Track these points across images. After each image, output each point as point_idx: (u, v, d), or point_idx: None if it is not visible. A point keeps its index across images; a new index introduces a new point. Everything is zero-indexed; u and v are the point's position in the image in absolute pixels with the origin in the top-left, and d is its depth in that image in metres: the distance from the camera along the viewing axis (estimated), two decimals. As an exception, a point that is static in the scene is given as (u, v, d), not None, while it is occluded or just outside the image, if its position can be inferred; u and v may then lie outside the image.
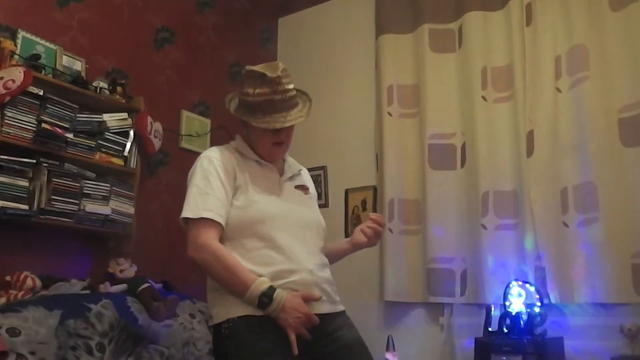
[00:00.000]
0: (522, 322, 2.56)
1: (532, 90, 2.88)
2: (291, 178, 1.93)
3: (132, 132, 2.81)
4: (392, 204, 3.20)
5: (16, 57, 2.45)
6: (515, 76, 2.94)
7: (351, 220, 3.47)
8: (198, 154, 1.90)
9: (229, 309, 1.68)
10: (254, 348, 1.63)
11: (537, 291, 2.63)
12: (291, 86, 1.80)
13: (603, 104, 2.67)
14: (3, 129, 2.32)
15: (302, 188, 1.94)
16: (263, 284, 1.64)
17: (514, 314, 2.59)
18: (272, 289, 1.63)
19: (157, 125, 2.98)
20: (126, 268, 2.68)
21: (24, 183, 2.36)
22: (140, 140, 2.86)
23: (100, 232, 2.68)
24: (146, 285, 2.54)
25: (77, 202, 2.52)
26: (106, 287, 2.56)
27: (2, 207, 2.27)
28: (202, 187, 1.74)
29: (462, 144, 3.08)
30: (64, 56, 2.70)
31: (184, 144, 3.34)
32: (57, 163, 2.49)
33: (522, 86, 2.91)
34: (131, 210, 2.76)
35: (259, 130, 1.80)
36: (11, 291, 2.30)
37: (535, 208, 2.77)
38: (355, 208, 3.49)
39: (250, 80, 1.78)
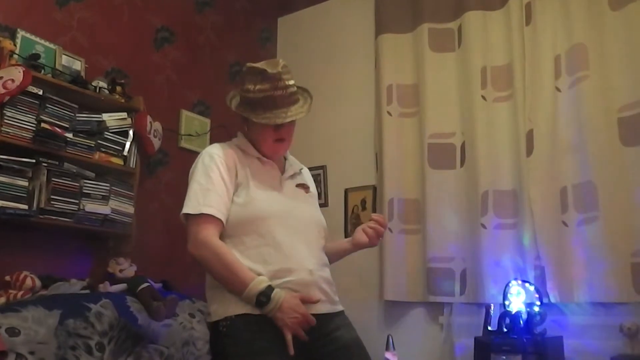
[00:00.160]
0: (521, 322, 2.55)
1: (532, 90, 2.88)
2: (292, 176, 1.93)
3: (131, 132, 2.81)
4: (391, 204, 3.20)
5: (15, 56, 2.45)
6: (514, 75, 2.94)
7: (351, 220, 3.47)
8: (197, 153, 1.89)
9: (227, 307, 1.68)
10: (252, 347, 1.63)
11: (537, 290, 2.62)
12: (292, 82, 1.79)
13: (603, 103, 2.66)
14: (2, 128, 2.32)
15: (303, 187, 1.94)
16: (261, 283, 1.64)
17: (513, 313, 2.59)
18: (270, 289, 1.63)
19: (157, 125, 2.98)
20: (126, 268, 2.68)
21: (23, 183, 2.36)
22: (140, 140, 2.86)
23: (99, 231, 2.68)
24: (146, 284, 2.54)
25: (77, 201, 2.52)
26: (106, 287, 2.56)
27: (1, 206, 2.26)
28: (203, 183, 1.74)
29: (462, 144, 3.08)
30: (64, 56, 2.69)
31: (184, 144, 3.34)
32: (57, 163, 2.49)
33: (521, 85, 2.91)
34: (131, 210, 2.76)
35: (260, 127, 1.80)
36: (11, 291, 2.30)
37: (535, 207, 2.77)
38: (354, 207, 3.48)
39: (251, 76, 1.77)
